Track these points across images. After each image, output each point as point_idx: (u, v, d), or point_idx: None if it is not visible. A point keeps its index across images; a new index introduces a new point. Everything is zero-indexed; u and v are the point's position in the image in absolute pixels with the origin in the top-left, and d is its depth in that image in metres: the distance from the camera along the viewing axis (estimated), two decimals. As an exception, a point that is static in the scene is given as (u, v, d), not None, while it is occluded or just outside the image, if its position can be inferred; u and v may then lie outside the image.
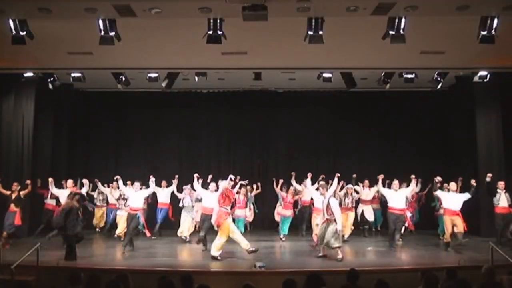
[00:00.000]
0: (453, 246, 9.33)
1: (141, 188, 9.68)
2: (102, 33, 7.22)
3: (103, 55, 8.70)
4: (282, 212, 11.08)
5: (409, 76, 10.66)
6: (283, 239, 10.82)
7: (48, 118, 12.19)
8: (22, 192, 10.02)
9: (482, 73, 10.48)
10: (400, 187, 9.91)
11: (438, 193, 9.79)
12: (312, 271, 5.31)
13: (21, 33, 7.18)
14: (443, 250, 9.39)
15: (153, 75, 10.63)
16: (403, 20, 7.04)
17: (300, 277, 4.54)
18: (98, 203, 11.91)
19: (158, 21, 7.30)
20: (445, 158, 12.82)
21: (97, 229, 12.10)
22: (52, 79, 10.95)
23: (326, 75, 10.63)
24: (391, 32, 7.12)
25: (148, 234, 9.98)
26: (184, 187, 10.79)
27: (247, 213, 11.43)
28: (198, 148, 13.77)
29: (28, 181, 10.31)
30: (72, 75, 10.73)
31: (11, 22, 7.10)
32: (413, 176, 9.74)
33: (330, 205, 8.36)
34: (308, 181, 10.61)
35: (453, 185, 9.60)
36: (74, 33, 7.92)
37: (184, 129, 13.77)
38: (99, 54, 8.72)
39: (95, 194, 11.81)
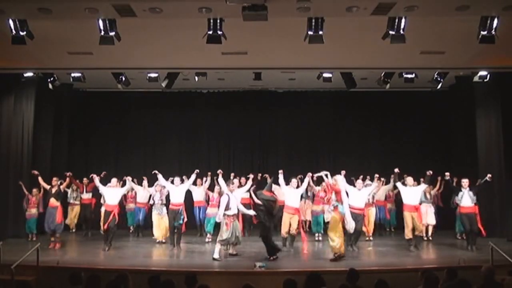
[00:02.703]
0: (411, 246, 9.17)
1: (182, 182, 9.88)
2: (102, 33, 7.20)
3: (103, 55, 8.68)
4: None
5: (409, 76, 10.66)
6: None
7: (48, 118, 12.18)
8: (62, 186, 9.92)
9: (482, 73, 10.48)
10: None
11: (398, 185, 9.58)
12: (312, 271, 5.30)
13: (21, 33, 7.15)
14: (443, 250, 9.38)
15: (153, 75, 10.63)
16: (403, 20, 7.02)
17: (300, 277, 4.54)
18: (71, 201, 11.43)
19: (158, 21, 7.28)
20: (445, 158, 12.81)
21: (71, 230, 11.60)
22: (52, 79, 10.96)
23: (326, 75, 10.64)
24: (391, 32, 7.11)
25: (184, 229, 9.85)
26: (156, 183, 10.34)
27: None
28: (198, 148, 13.78)
29: (69, 174, 10.12)
30: (72, 75, 10.73)
31: (11, 22, 7.07)
32: (377, 175, 9.54)
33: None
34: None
35: (410, 179, 9.53)
36: (74, 33, 7.90)
37: (184, 129, 13.75)
38: (99, 54, 8.70)
39: (69, 192, 11.31)
